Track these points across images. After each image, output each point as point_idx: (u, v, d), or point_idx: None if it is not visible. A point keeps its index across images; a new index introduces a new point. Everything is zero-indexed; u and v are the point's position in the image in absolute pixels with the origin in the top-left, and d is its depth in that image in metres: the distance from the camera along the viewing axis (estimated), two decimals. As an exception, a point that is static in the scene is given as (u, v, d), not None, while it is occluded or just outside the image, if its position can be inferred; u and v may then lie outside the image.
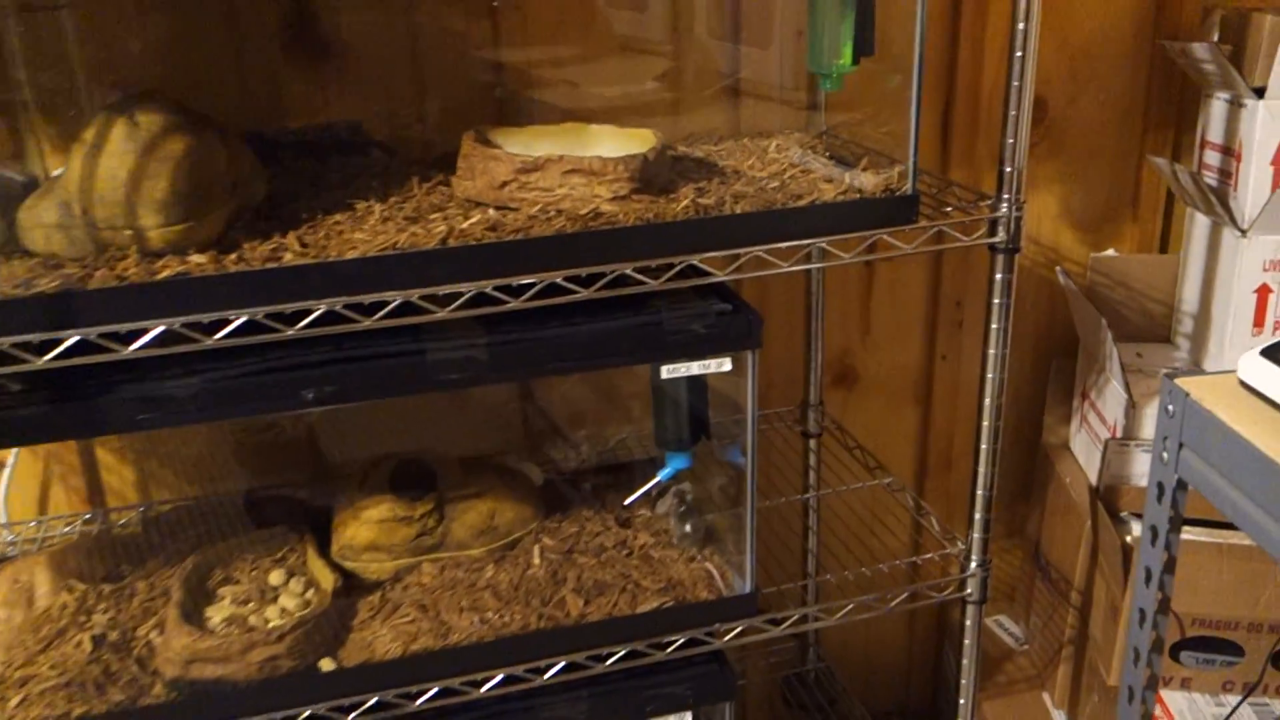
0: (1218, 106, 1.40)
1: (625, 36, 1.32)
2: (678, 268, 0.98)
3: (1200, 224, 1.44)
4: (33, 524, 1.27)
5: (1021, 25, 1.03)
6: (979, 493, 1.19)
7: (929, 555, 1.32)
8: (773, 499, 1.45)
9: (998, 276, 1.10)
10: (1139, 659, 0.93)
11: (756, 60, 1.37)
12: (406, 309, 0.91)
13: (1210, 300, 1.42)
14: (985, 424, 1.16)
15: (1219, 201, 1.35)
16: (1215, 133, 1.40)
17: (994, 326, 1.12)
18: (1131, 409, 1.36)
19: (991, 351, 1.13)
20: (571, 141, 1.10)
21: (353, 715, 1.03)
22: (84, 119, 0.88)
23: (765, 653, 1.68)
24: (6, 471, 1.26)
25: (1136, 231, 1.61)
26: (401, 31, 1.24)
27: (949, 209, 1.11)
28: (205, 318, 0.85)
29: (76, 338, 0.83)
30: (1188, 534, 1.27)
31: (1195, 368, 1.46)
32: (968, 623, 1.25)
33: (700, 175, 1.09)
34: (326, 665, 1.02)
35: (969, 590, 1.23)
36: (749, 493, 1.10)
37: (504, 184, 0.99)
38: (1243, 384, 0.81)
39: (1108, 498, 1.38)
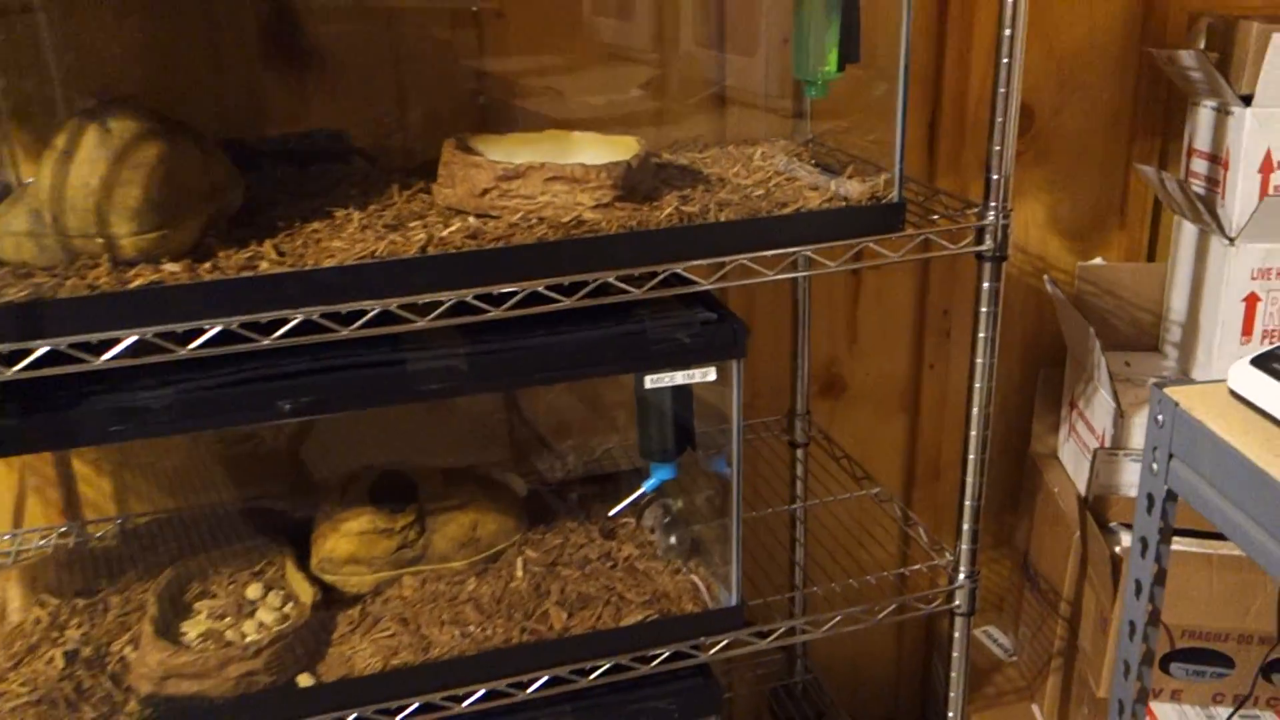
0: (1204, 114, 1.39)
1: (609, 44, 1.31)
2: (661, 276, 0.97)
3: (1188, 232, 1.43)
4: (7, 537, 1.24)
5: (1008, 31, 1.02)
6: (967, 503, 1.18)
7: (917, 566, 1.30)
8: (759, 510, 1.43)
9: (985, 285, 1.09)
10: (1129, 671, 0.92)
11: (742, 68, 1.36)
12: (385, 318, 0.89)
13: (1198, 309, 1.42)
14: (973, 433, 1.15)
15: (1206, 209, 1.34)
16: (1202, 141, 1.40)
17: (981, 335, 1.11)
18: (1120, 418, 1.35)
19: (979, 360, 1.12)
20: (554, 149, 1.08)
21: (331, 732, 1.01)
22: (57, 125, 0.87)
23: (752, 665, 1.67)
24: (-19, 484, 1.24)
25: (1124, 240, 1.60)
26: (384, 39, 1.22)
27: (936, 217, 1.10)
28: (179, 327, 0.84)
29: (46, 348, 0.81)
30: (1177, 545, 1.26)
31: (1184, 377, 1.46)
32: (956, 634, 1.24)
33: (684, 183, 1.08)
34: (305, 681, 1.01)
35: (957, 602, 1.22)
36: (735, 504, 1.08)
37: (485, 191, 0.98)
38: (1233, 393, 0.80)
39: (1096, 508, 1.37)
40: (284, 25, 1.19)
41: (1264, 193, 1.31)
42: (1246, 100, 1.30)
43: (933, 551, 1.26)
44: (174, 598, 1.06)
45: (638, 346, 0.98)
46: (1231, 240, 1.32)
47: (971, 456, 1.16)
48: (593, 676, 1.08)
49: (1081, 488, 1.41)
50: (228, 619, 1.04)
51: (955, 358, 1.60)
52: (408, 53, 1.23)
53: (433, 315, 0.90)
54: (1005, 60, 1.03)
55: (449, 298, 0.90)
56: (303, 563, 1.10)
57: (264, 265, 0.88)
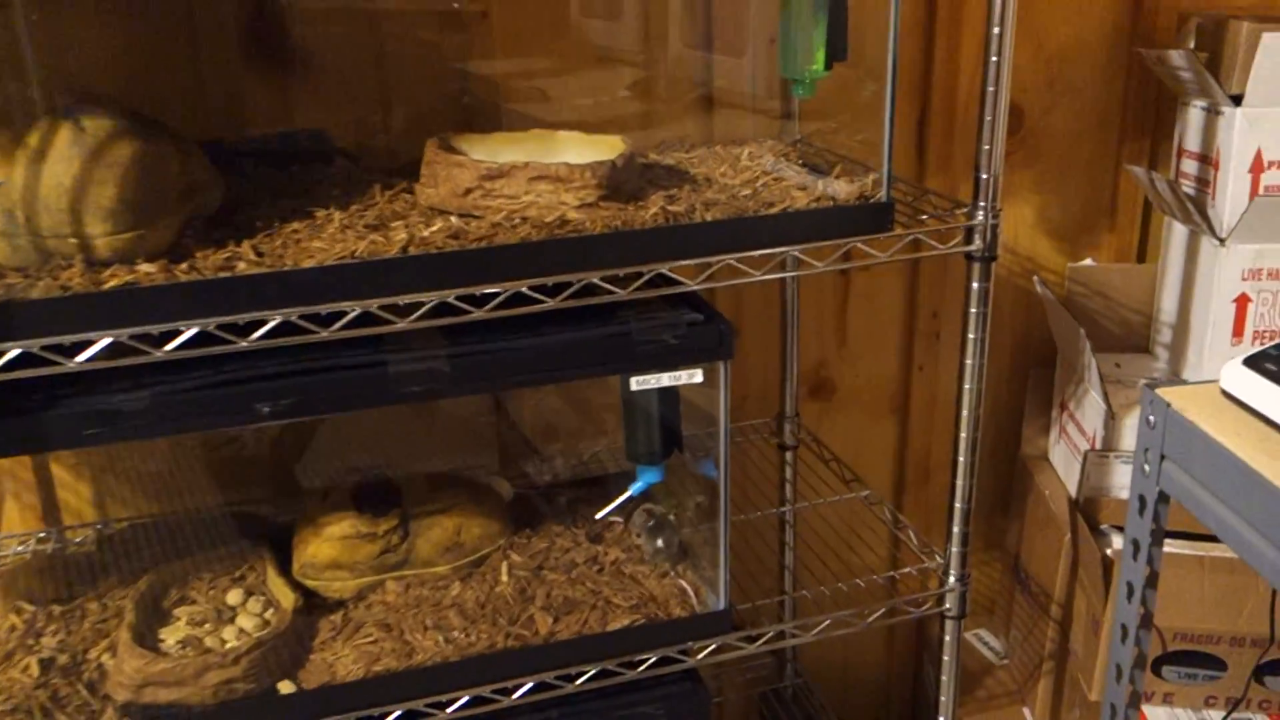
0: (1194, 115, 1.38)
1: (596, 44, 1.29)
2: (647, 277, 0.95)
3: (1178, 233, 1.42)
4: (-15, 543, 1.23)
5: (996, 30, 1.01)
6: (957, 505, 1.17)
7: (907, 569, 1.29)
8: (748, 513, 1.42)
9: (974, 285, 1.08)
10: (1121, 675, 0.91)
11: (729, 68, 1.35)
12: (366, 319, 0.88)
13: (1189, 310, 1.41)
14: (963, 435, 1.14)
15: (1197, 210, 1.34)
16: (1192, 141, 1.39)
17: (971, 336, 1.10)
18: (1111, 420, 1.34)
19: (969, 361, 1.11)
20: (538, 148, 1.07)
21: (313, 740, 1.00)
22: (30, 124, 0.85)
23: (742, 669, 1.65)
24: (-42, 489, 1.23)
25: (1114, 241, 1.59)
26: (367, 39, 1.21)
27: (924, 217, 1.09)
28: (155, 329, 0.82)
29: (18, 350, 0.80)
30: (1169, 547, 1.25)
31: (1174, 378, 1.45)
32: (947, 638, 1.22)
33: (671, 183, 1.07)
34: (286, 688, 0.99)
35: (948, 605, 1.21)
36: (722, 507, 1.07)
37: (468, 191, 0.96)
38: (1225, 394, 0.79)
39: (1087, 510, 1.36)
40: (266, 25, 1.18)
41: (1254, 193, 1.31)
42: (1236, 100, 1.29)
43: (923, 554, 1.25)
44: (153, 604, 1.04)
45: (623, 348, 0.97)
46: (1222, 241, 1.32)
47: (961, 458, 1.15)
48: (579, 682, 1.06)
49: (1072, 490, 1.40)
50: (207, 625, 1.02)
51: (945, 360, 1.59)
52: (391, 52, 1.22)
53: (414, 316, 0.89)
54: (994, 59, 1.02)
55: (431, 299, 0.89)
56: (284, 568, 1.09)
57: (242, 266, 0.86)
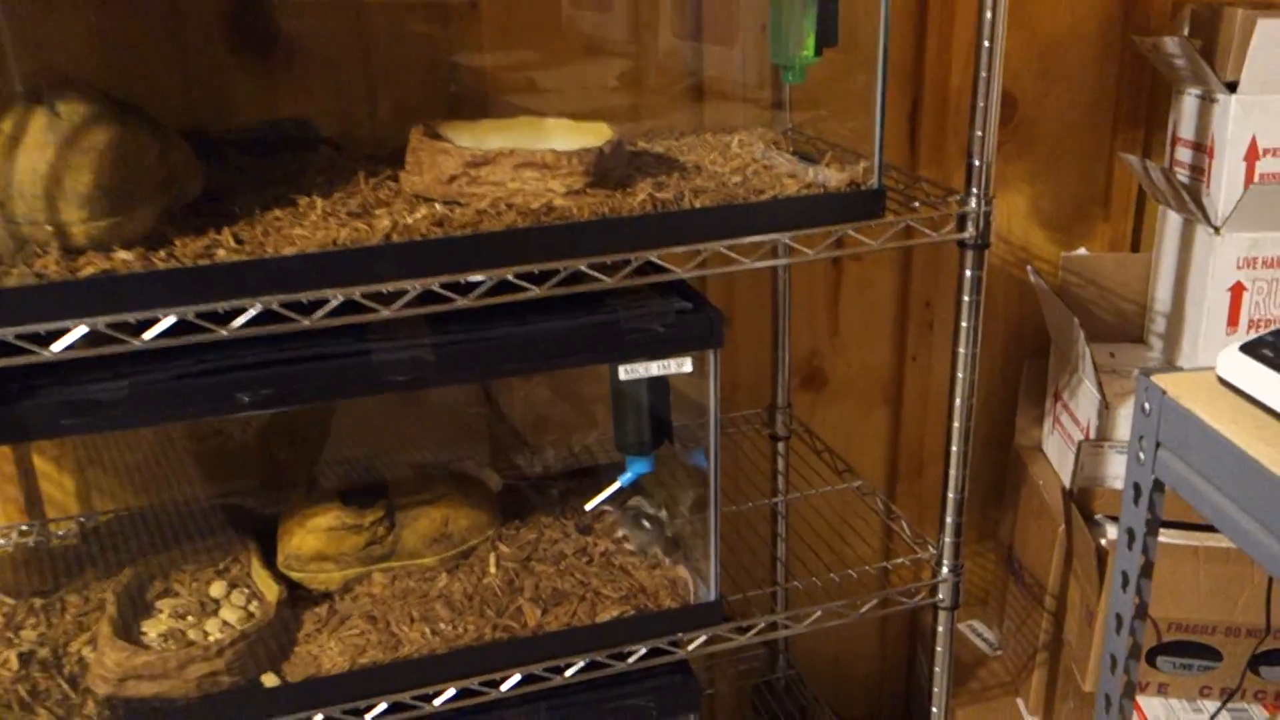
0: (1189, 102, 1.37)
1: (584, 33, 1.28)
2: (635, 264, 0.94)
3: (1173, 222, 1.41)
4: (-34, 536, 1.21)
5: (989, 15, 0.99)
6: (950, 495, 1.16)
7: (900, 560, 1.28)
8: (740, 504, 1.41)
9: (967, 273, 1.07)
10: (1116, 665, 0.90)
11: (719, 56, 1.34)
12: (349, 308, 0.86)
13: (1183, 299, 1.40)
14: (956, 425, 1.13)
15: (1191, 198, 1.32)
16: (1187, 129, 1.38)
17: (964, 325, 1.09)
18: (1105, 409, 1.33)
19: (962, 350, 1.10)
20: (525, 136, 1.06)
21: (298, 733, 0.98)
22: (4, 110, 0.84)
23: (734, 661, 1.64)
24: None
25: (1108, 230, 1.58)
26: (352, 26, 1.20)
27: (917, 204, 1.07)
28: (132, 317, 0.81)
29: (-7, 339, 0.78)
30: (1163, 537, 1.24)
31: (1169, 367, 1.44)
32: (940, 628, 1.21)
33: (659, 170, 1.05)
34: (269, 680, 0.98)
35: (941, 596, 1.20)
36: (712, 497, 1.06)
37: (453, 178, 0.95)
38: (1221, 381, 0.78)
39: (1081, 500, 1.35)
40: (251, 13, 1.16)
41: (1249, 180, 1.30)
42: (1231, 87, 1.28)
43: (916, 545, 1.24)
44: (135, 597, 1.03)
45: (611, 336, 0.96)
46: (1217, 229, 1.30)
47: (954, 448, 1.14)
48: (568, 674, 1.05)
49: (1066, 480, 1.39)
50: (190, 618, 1.01)
51: (938, 350, 1.58)
52: (378, 41, 1.20)
53: (398, 304, 0.88)
54: (986, 44, 1.00)
55: (415, 287, 0.87)
56: (268, 560, 1.08)
57: (222, 253, 0.85)
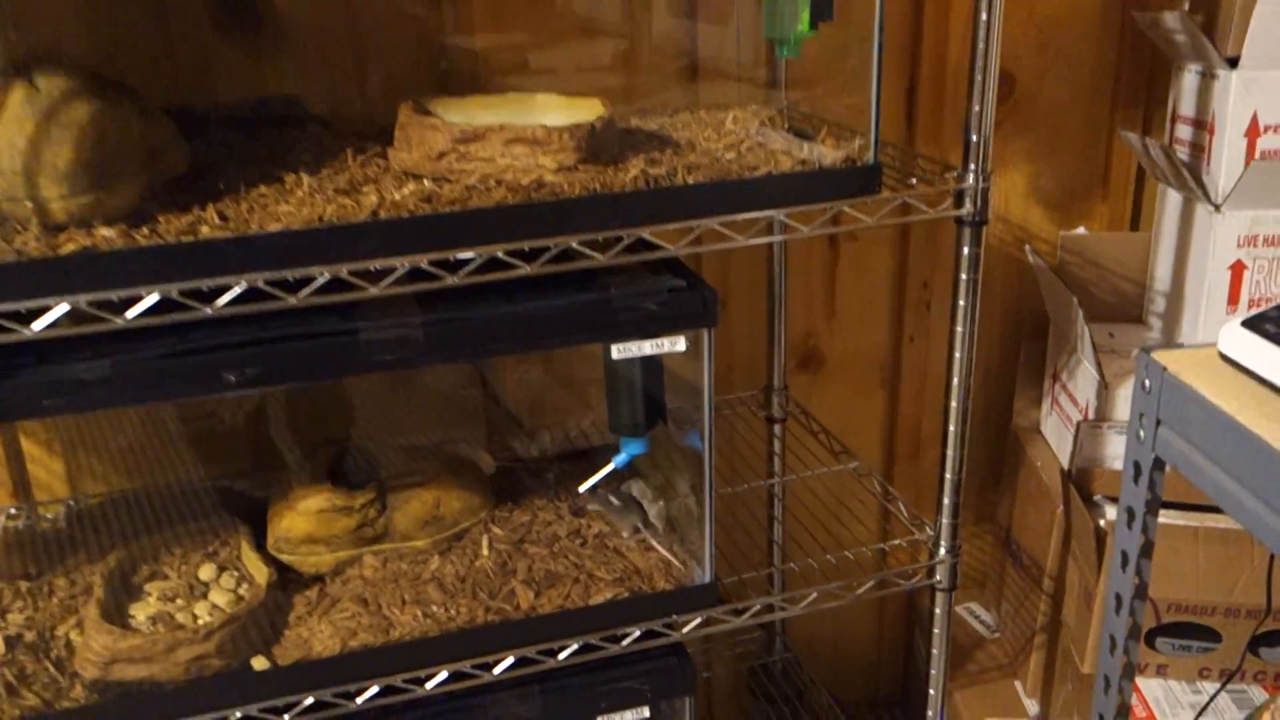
0: (1189, 79, 1.35)
1: (577, 9, 1.26)
2: (627, 241, 0.93)
3: (1172, 200, 1.40)
4: (-46, 520, 1.20)
5: (987, -12, 0.98)
6: (948, 476, 1.15)
7: (897, 542, 1.27)
8: (736, 486, 1.40)
9: (965, 250, 1.06)
10: (1115, 646, 0.89)
11: (713, 32, 1.32)
12: (336, 285, 0.85)
13: (1183, 278, 1.38)
14: (954, 404, 1.12)
15: (1192, 176, 1.31)
16: (1187, 106, 1.36)
17: (961, 303, 1.07)
18: (1104, 389, 1.31)
19: (959, 329, 1.08)
20: (516, 112, 1.04)
21: (288, 716, 0.97)
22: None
23: (730, 644, 1.64)
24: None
25: (1107, 209, 1.57)
26: (342, 1, 1.18)
27: (914, 181, 1.06)
28: (114, 295, 0.79)
29: (-28, 317, 0.77)
30: (1162, 518, 1.23)
31: (1171, 344, 1.42)
32: (937, 610, 1.20)
33: (652, 147, 1.04)
34: (259, 664, 0.97)
35: (938, 577, 1.19)
36: (706, 478, 1.05)
37: (442, 155, 0.93)
38: (1223, 357, 0.77)
39: (1080, 481, 1.33)
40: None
41: (1250, 158, 1.28)
42: (1233, 63, 1.26)
43: (913, 526, 1.23)
44: (123, 580, 1.01)
45: (603, 315, 0.94)
46: (1217, 207, 1.29)
47: (952, 428, 1.13)
48: (561, 657, 1.04)
49: (1065, 461, 1.38)
50: (179, 601, 1.00)
51: (936, 331, 1.57)
52: (368, 17, 1.19)
53: (386, 282, 0.86)
54: (984, 16, 0.99)
55: (403, 264, 0.86)
56: (259, 543, 1.06)
57: (205, 230, 0.83)
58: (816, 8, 1.07)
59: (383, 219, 0.86)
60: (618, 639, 1.06)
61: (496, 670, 1.03)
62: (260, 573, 1.02)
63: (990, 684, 1.49)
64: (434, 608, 1.03)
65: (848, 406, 1.58)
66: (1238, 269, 1.31)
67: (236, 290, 0.82)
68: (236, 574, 1.04)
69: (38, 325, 0.78)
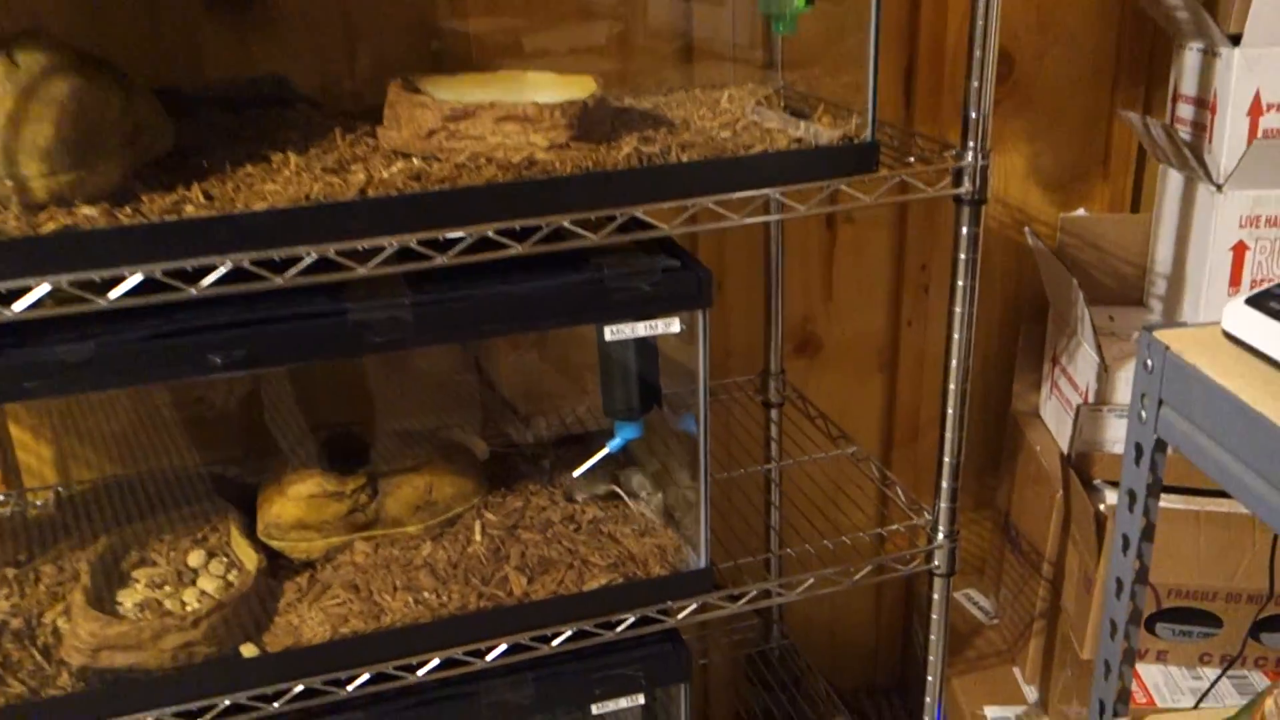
0: (1191, 57, 1.34)
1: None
2: (620, 220, 0.91)
3: (1173, 181, 1.38)
4: (-60, 506, 1.19)
5: (986, -39, 0.96)
6: (946, 460, 1.14)
7: (895, 527, 1.26)
8: (732, 471, 1.38)
9: (963, 230, 1.04)
10: (1116, 631, 0.88)
11: (709, 11, 1.30)
12: (323, 265, 0.83)
13: (1184, 260, 1.37)
14: (952, 387, 1.10)
15: (1193, 156, 1.29)
16: (1188, 85, 1.35)
17: (960, 283, 1.06)
18: (1104, 372, 1.30)
19: (958, 310, 1.07)
20: (506, 90, 1.02)
21: (277, 704, 0.96)
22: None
23: (728, 631, 1.63)
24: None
25: (1107, 191, 1.55)
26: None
27: (912, 159, 1.04)
28: (97, 275, 0.78)
29: (-50, 298, 0.75)
30: (1163, 502, 1.22)
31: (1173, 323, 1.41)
32: (935, 596, 1.19)
33: (646, 125, 1.02)
34: (249, 651, 0.95)
35: (936, 562, 1.18)
36: (702, 462, 1.03)
37: (431, 133, 0.92)
38: (1227, 335, 0.75)
39: (1080, 465, 1.32)
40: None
41: (1252, 137, 1.26)
42: (1235, 40, 1.25)
43: (911, 511, 1.22)
44: (110, 566, 1.00)
45: (596, 296, 0.93)
46: (1219, 187, 1.27)
47: (950, 410, 1.11)
48: (555, 643, 1.03)
49: (1064, 445, 1.36)
50: (167, 587, 0.98)
51: (934, 315, 1.55)
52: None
53: (374, 262, 0.85)
54: (983, -7, 0.97)
55: (391, 243, 0.84)
56: (249, 528, 1.05)
57: (190, 209, 0.81)
58: (813, -17, 1.06)
59: (371, 197, 0.84)
60: (612, 625, 1.05)
61: (489, 657, 1.01)
62: (250, 559, 1.01)
63: (989, 670, 1.48)
64: (426, 594, 1.02)
65: (845, 391, 1.56)
66: (1239, 250, 1.30)
67: (222, 270, 0.80)
68: (226, 560, 1.03)
69: (18, 306, 0.77)
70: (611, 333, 0.95)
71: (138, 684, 0.92)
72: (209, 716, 0.95)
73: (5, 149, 0.77)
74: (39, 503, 1.18)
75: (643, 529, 1.11)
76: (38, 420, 1.22)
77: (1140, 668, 1.30)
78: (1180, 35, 1.35)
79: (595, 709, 1.06)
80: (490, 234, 0.87)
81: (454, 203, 0.85)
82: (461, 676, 1.01)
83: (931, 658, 1.22)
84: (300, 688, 0.96)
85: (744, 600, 1.10)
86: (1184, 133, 1.35)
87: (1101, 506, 1.25)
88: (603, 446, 1.12)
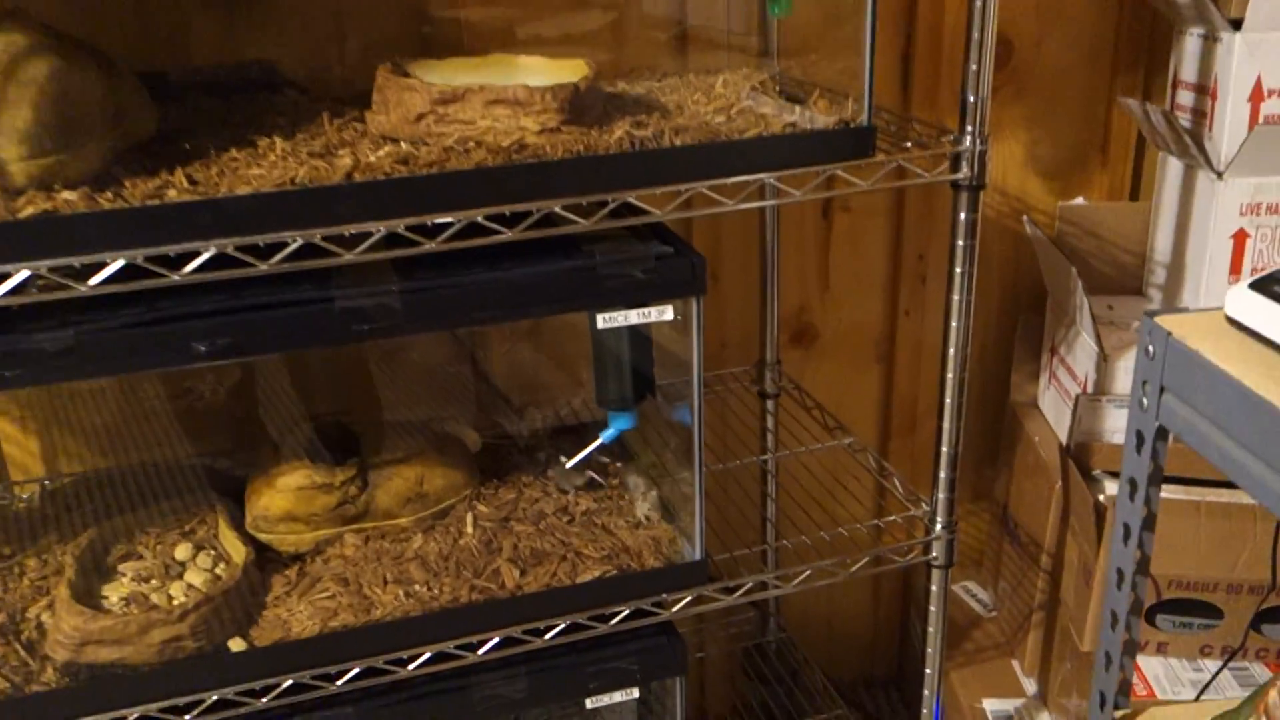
0: (1191, 43, 1.32)
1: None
2: (612, 206, 0.89)
3: (1173, 168, 1.37)
4: (-75, 500, 1.17)
5: (984, -58, 0.94)
6: (944, 450, 1.12)
7: (892, 518, 1.24)
8: (728, 462, 1.37)
9: (961, 216, 1.03)
10: (1116, 622, 0.86)
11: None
12: (309, 252, 0.82)
13: (1184, 248, 1.35)
14: (950, 376, 1.09)
15: (1193, 143, 1.28)
16: (1189, 71, 1.33)
17: (958, 271, 1.04)
18: (1103, 362, 1.29)
19: (956, 298, 1.06)
20: (497, 73, 1.01)
21: (265, 699, 0.94)
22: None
23: (724, 624, 1.61)
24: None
25: (1106, 179, 1.54)
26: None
27: (909, 145, 1.03)
28: (77, 261, 0.76)
29: (-73, 284, 0.74)
30: (1163, 492, 1.20)
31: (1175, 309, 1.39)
32: (933, 588, 1.18)
33: (639, 110, 1.01)
34: (236, 645, 0.94)
35: (934, 554, 1.16)
36: (696, 453, 1.02)
37: (420, 117, 0.90)
38: (1230, 320, 0.74)
39: (1079, 455, 1.31)
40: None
41: (1253, 123, 1.25)
42: (1236, 25, 1.23)
43: (908, 502, 1.20)
44: (96, 560, 0.98)
45: (587, 283, 0.91)
46: (1220, 174, 1.26)
47: (948, 400, 1.10)
48: (548, 637, 1.02)
49: (1063, 436, 1.35)
50: (153, 581, 0.97)
51: (931, 305, 1.54)
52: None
53: (361, 248, 0.83)
54: (981, -24, 0.95)
55: (378, 229, 0.83)
56: (237, 521, 1.03)
57: (172, 194, 0.80)
58: (808, -35, 1.04)
59: (357, 182, 0.83)
60: (606, 618, 1.03)
61: (481, 651, 1.00)
62: (238, 552, 0.99)
63: (987, 663, 1.47)
64: (417, 587, 1.00)
65: (842, 382, 1.55)
66: (1240, 238, 1.29)
67: (205, 256, 0.79)
68: (213, 553, 1.01)
69: (-4, 292, 0.75)
70: (604, 320, 0.94)
71: (123, 679, 0.90)
72: (196, 712, 0.93)
73: (-18, 132, 0.75)
74: (24, 496, 1.16)
75: (637, 521, 1.10)
76: (23, 413, 1.21)
77: (1140, 660, 1.29)
78: (1180, 20, 1.33)
79: (589, 703, 1.05)
80: (480, 219, 0.85)
81: (442, 187, 0.84)
82: (453, 670, 1.00)
83: (929, 650, 1.21)
84: (289, 682, 0.94)
85: (740, 593, 1.08)
86: (1184, 119, 1.34)
87: (1101, 497, 1.24)
88: (596, 438, 1.11)
